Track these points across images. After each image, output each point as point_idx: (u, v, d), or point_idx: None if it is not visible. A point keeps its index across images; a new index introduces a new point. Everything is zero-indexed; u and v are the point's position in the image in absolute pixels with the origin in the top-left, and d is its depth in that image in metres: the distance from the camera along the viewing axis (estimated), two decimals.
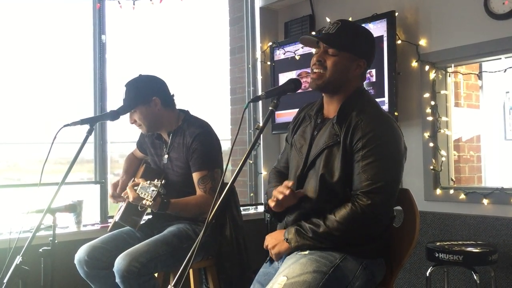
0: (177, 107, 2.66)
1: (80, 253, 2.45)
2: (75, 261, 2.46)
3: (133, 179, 2.71)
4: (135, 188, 2.28)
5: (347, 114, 1.85)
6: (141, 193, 2.25)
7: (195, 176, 2.49)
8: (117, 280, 2.24)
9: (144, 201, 2.23)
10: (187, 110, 2.70)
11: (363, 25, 3.35)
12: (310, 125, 1.99)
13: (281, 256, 1.89)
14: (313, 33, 3.74)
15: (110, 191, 2.68)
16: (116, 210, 2.77)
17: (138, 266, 2.22)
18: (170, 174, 2.61)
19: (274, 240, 1.91)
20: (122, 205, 2.63)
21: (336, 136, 1.83)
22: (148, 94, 2.54)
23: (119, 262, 2.24)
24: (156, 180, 2.24)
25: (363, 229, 1.79)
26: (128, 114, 2.57)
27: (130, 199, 2.30)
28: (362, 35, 1.94)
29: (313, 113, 2.00)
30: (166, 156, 2.62)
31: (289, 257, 1.84)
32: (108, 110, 3.08)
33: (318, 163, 1.85)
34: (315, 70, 1.89)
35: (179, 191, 2.50)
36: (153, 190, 2.20)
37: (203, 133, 2.54)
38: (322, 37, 1.90)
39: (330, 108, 1.95)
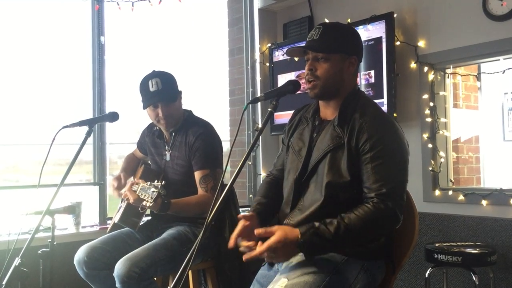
0: None
1: (80, 254, 2.44)
2: (75, 262, 2.45)
3: (131, 181, 2.69)
4: (135, 189, 2.27)
5: (348, 115, 1.84)
6: (141, 194, 2.23)
7: (197, 175, 2.49)
8: (117, 285, 2.23)
9: (144, 202, 2.22)
10: (191, 110, 2.70)
11: (361, 26, 3.40)
12: (307, 127, 1.97)
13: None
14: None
15: (115, 184, 2.59)
16: (115, 211, 2.76)
17: (138, 271, 2.21)
18: (170, 173, 2.60)
19: (286, 255, 1.73)
20: (121, 206, 2.62)
21: (339, 138, 1.81)
22: (177, 88, 2.58)
23: (119, 267, 2.23)
24: (156, 181, 2.23)
25: (384, 229, 1.78)
26: (149, 108, 2.51)
27: (131, 201, 2.29)
28: (347, 31, 1.94)
29: (309, 115, 1.99)
30: (167, 154, 2.61)
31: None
32: (107, 112, 3.07)
33: (321, 167, 1.83)
34: (309, 80, 1.88)
35: (179, 190, 2.49)
36: (153, 191, 2.19)
37: (206, 132, 2.55)
38: (308, 45, 1.89)
39: (327, 110, 1.94)
